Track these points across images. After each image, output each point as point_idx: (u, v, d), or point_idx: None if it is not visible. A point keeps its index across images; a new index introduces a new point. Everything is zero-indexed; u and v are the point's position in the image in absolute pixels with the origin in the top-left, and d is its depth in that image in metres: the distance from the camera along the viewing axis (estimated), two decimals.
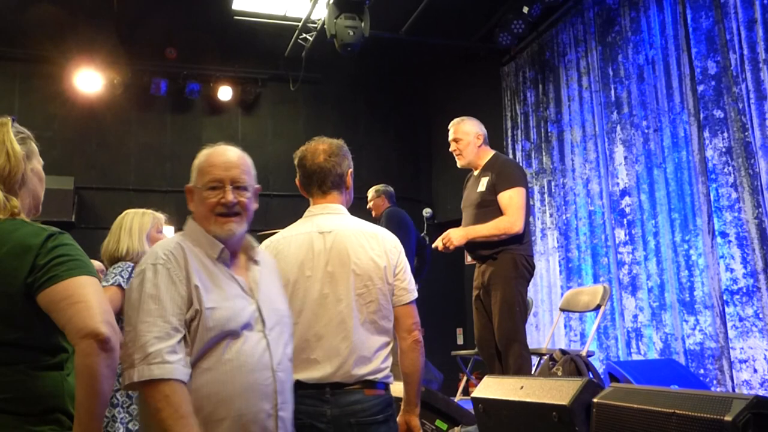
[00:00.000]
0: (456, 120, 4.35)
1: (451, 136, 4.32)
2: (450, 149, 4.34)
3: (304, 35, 7.57)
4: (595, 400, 2.44)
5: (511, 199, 3.99)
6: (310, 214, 2.44)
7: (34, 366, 1.63)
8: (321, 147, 2.47)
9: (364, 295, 2.28)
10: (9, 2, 6.85)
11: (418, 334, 2.36)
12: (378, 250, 2.33)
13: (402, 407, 2.43)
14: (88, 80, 7.61)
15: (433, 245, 4.14)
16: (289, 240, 2.37)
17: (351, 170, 2.50)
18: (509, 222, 3.96)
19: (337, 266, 2.29)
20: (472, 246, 4.16)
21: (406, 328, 2.35)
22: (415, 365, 2.36)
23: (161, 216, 3.28)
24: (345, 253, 2.30)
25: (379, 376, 2.26)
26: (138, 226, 3.21)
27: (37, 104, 7.77)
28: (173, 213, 7.95)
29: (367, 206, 6.23)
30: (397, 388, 2.44)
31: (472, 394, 3.19)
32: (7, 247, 1.64)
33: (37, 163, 1.88)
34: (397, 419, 2.41)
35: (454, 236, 4.00)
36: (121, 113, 7.97)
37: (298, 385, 2.20)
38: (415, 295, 2.39)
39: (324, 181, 2.43)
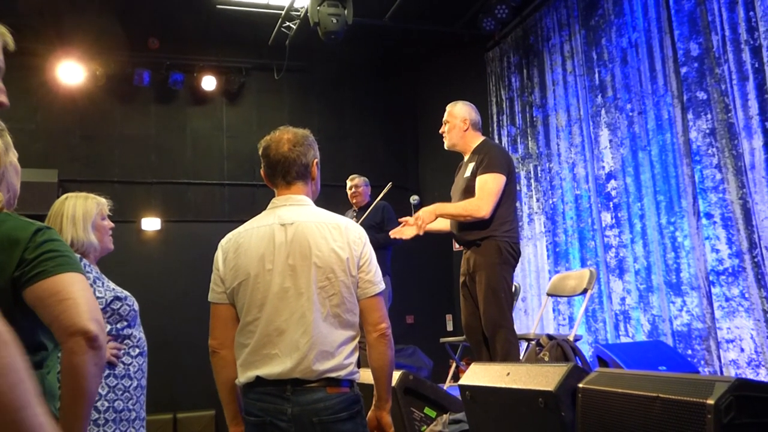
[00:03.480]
0: (452, 102, 4.36)
1: (444, 118, 4.34)
2: (440, 130, 4.35)
3: (288, 23, 7.52)
4: (580, 385, 2.45)
5: (485, 183, 3.98)
6: (273, 206, 2.37)
7: None
8: (285, 136, 2.38)
9: (327, 288, 2.22)
10: None
11: (385, 328, 2.30)
12: (341, 241, 2.27)
13: (373, 403, 2.40)
14: (71, 72, 7.55)
15: (409, 233, 4.08)
16: (250, 233, 2.31)
17: (317, 160, 2.42)
18: (476, 205, 3.95)
19: (298, 259, 2.23)
20: (457, 232, 4.17)
21: (371, 321, 2.30)
22: (383, 359, 2.31)
23: (104, 201, 2.89)
24: (306, 245, 2.24)
25: (343, 373, 2.20)
26: (82, 212, 2.77)
27: (19, 96, 7.70)
28: (159, 204, 7.98)
29: (352, 192, 6.21)
30: (367, 375, 2.42)
31: (459, 382, 3.20)
32: None
33: (13, 155, 1.83)
34: (368, 415, 2.37)
35: (424, 214, 4.00)
36: (104, 105, 7.92)
37: (259, 382, 2.17)
38: (382, 287, 2.33)
39: (288, 172, 2.35)
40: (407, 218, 4.08)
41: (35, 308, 1.55)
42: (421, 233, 4.08)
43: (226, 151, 8.41)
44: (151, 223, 7.83)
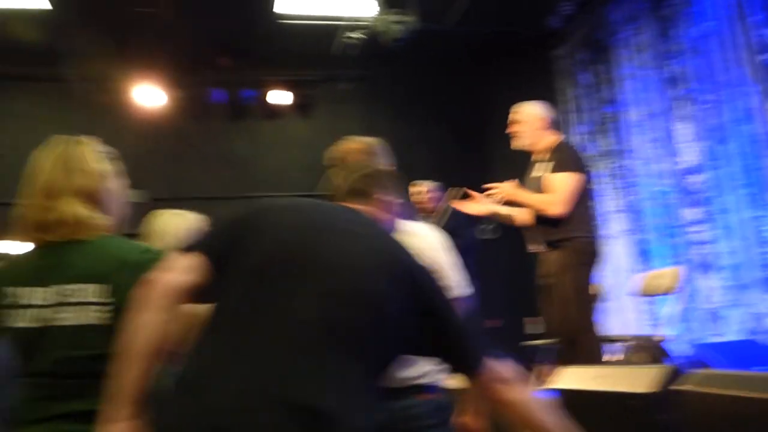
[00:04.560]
0: (523, 102, 4.31)
1: (512, 117, 4.27)
2: (508, 129, 4.29)
3: (352, 33, 7.58)
4: (679, 386, 2.36)
5: (559, 181, 3.91)
6: None
7: None
8: (354, 146, 2.36)
9: None
10: (61, 23, 7.05)
11: None
12: (416, 249, 2.24)
13: (461, 407, 2.39)
14: (147, 95, 7.83)
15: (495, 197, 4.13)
16: None
17: (389, 168, 2.39)
18: (550, 201, 3.89)
19: None
20: (534, 233, 4.11)
21: None
22: None
23: (194, 216, 2.90)
24: None
25: (429, 379, 2.18)
26: (172, 228, 2.82)
27: (98, 122, 7.97)
28: None
29: (419, 198, 6.18)
30: (454, 383, 2.40)
31: (548, 385, 3.14)
32: (104, 263, 1.75)
33: (121, 181, 2.03)
34: (457, 419, 2.35)
35: (504, 188, 4.00)
36: (180, 125, 8.13)
37: None
38: (462, 290, 2.29)
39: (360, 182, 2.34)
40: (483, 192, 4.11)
41: None
42: (500, 204, 4.12)
43: (299, 164, 8.52)
44: None
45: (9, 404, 1.76)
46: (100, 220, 1.86)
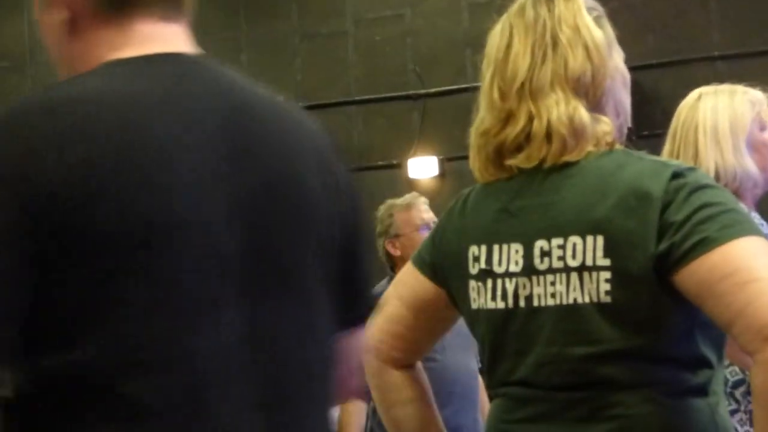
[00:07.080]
0: None
1: None
2: None
3: None
4: None
5: None
6: None
7: (668, 390, 1.13)
8: None
9: None
10: None
11: None
12: None
13: None
14: None
15: None
16: None
17: None
18: None
19: None
20: None
21: None
22: None
23: (754, 95, 1.80)
24: None
25: None
26: (728, 120, 1.75)
27: None
28: None
29: None
30: None
31: None
32: (613, 198, 1.13)
33: (617, 54, 1.28)
34: None
35: None
36: None
37: None
38: None
39: None
40: None
41: (698, 297, 1.08)
42: None
43: None
44: None
45: None
46: (605, 125, 1.22)
